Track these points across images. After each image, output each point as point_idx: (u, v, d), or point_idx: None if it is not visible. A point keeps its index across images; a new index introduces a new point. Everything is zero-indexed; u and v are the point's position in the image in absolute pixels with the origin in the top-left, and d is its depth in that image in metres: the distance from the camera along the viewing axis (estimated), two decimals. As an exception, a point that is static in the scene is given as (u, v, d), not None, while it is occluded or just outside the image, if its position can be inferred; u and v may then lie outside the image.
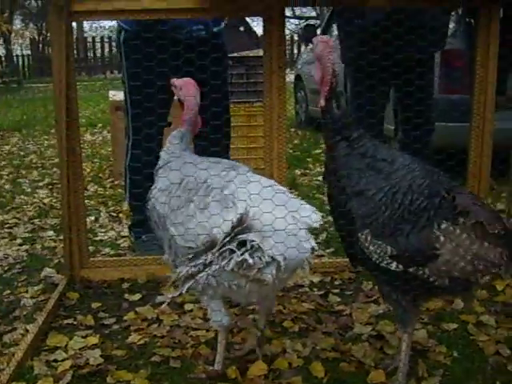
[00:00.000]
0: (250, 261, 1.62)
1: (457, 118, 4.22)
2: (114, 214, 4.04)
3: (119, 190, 4.70)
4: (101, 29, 28.39)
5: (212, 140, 2.84)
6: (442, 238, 1.72)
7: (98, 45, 21.37)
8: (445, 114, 4.24)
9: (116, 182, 4.97)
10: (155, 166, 2.10)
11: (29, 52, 22.85)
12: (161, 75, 2.70)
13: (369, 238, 1.75)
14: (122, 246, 3.37)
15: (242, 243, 1.65)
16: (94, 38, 21.79)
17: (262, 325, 2.06)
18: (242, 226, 1.66)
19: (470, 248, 1.72)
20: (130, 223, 3.35)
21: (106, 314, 2.49)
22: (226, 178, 1.83)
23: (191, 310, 2.47)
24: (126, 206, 4.14)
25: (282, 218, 1.68)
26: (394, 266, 1.74)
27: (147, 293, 2.68)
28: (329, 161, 1.90)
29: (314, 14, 21.72)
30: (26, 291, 2.75)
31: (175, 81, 2.19)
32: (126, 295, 2.66)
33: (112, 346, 2.21)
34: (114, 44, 21.09)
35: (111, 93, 5.29)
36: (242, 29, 7.55)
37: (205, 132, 2.95)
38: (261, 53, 5.93)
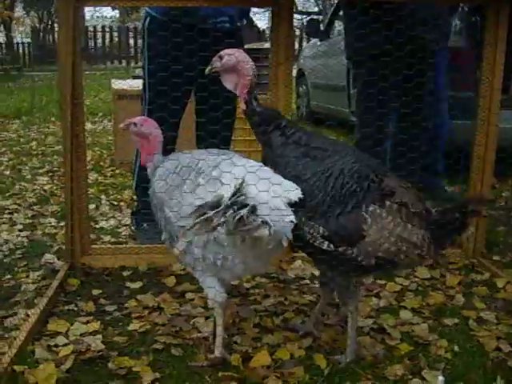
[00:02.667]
0: (252, 218, 1.68)
1: (459, 115, 4.24)
2: (115, 203, 4.02)
3: (120, 179, 4.70)
4: (102, 18, 28.26)
5: (214, 130, 2.85)
6: (369, 220, 1.83)
7: (100, 34, 21.26)
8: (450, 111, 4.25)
9: (117, 171, 4.96)
10: (169, 153, 2.18)
11: (29, 40, 22.73)
12: (181, 62, 2.70)
13: (303, 220, 1.85)
14: (122, 234, 3.37)
15: (243, 205, 1.71)
16: (95, 27, 21.66)
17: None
18: (240, 192, 1.73)
19: (394, 230, 1.83)
20: (132, 210, 3.34)
21: (106, 301, 2.48)
22: (214, 162, 1.91)
23: (192, 299, 2.47)
24: (126, 195, 4.15)
25: (266, 192, 1.76)
26: (325, 245, 1.85)
27: (148, 281, 2.68)
28: (266, 155, 2.03)
29: (316, 9, 21.69)
30: (27, 276, 2.74)
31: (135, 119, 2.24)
32: (127, 283, 2.66)
33: (113, 332, 2.20)
34: (115, 34, 21.08)
35: (114, 81, 5.27)
36: (244, 22, 7.57)
37: (208, 122, 2.97)
38: (265, 45, 5.95)
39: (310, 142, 1.95)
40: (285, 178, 1.88)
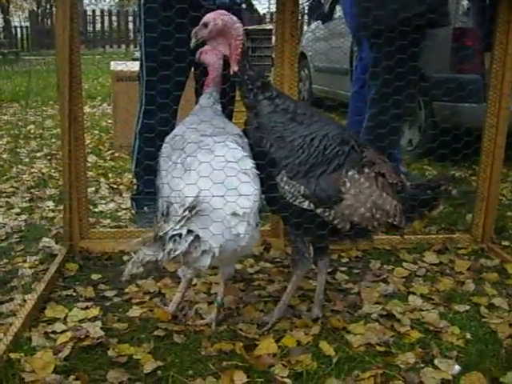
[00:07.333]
0: (193, 253, 1.69)
1: (466, 97, 4.15)
2: (115, 186, 3.94)
3: (120, 163, 4.62)
4: (101, 2, 28.00)
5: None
6: (347, 184, 1.90)
7: (98, 18, 21.06)
8: (455, 93, 4.15)
9: (116, 154, 4.87)
10: (167, 134, 2.08)
11: (27, 24, 22.50)
12: (179, 41, 2.60)
13: (284, 179, 1.91)
14: (122, 218, 3.29)
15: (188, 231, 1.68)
16: (94, 11, 21.46)
17: (220, 297, 2.10)
18: (193, 210, 1.70)
19: (370, 196, 1.91)
20: (132, 193, 3.25)
21: (106, 286, 2.41)
22: (195, 146, 1.86)
23: (195, 285, 2.40)
24: (126, 178, 4.06)
25: (217, 200, 1.72)
26: (305, 204, 1.91)
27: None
28: (251, 118, 2.03)
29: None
30: (24, 261, 2.65)
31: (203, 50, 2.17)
32: (127, 268, 2.58)
33: (113, 318, 2.13)
34: (114, 18, 20.86)
35: (113, 63, 5.17)
36: (243, 6, 7.48)
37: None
38: (267, 26, 5.86)
39: (296, 109, 2.00)
40: (270, 140, 1.94)
